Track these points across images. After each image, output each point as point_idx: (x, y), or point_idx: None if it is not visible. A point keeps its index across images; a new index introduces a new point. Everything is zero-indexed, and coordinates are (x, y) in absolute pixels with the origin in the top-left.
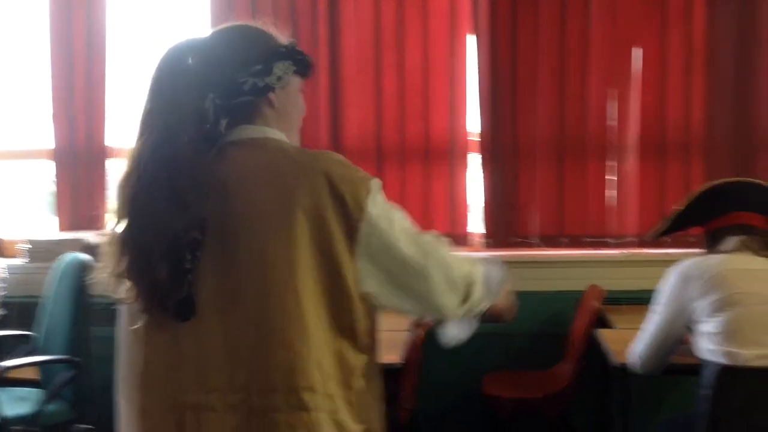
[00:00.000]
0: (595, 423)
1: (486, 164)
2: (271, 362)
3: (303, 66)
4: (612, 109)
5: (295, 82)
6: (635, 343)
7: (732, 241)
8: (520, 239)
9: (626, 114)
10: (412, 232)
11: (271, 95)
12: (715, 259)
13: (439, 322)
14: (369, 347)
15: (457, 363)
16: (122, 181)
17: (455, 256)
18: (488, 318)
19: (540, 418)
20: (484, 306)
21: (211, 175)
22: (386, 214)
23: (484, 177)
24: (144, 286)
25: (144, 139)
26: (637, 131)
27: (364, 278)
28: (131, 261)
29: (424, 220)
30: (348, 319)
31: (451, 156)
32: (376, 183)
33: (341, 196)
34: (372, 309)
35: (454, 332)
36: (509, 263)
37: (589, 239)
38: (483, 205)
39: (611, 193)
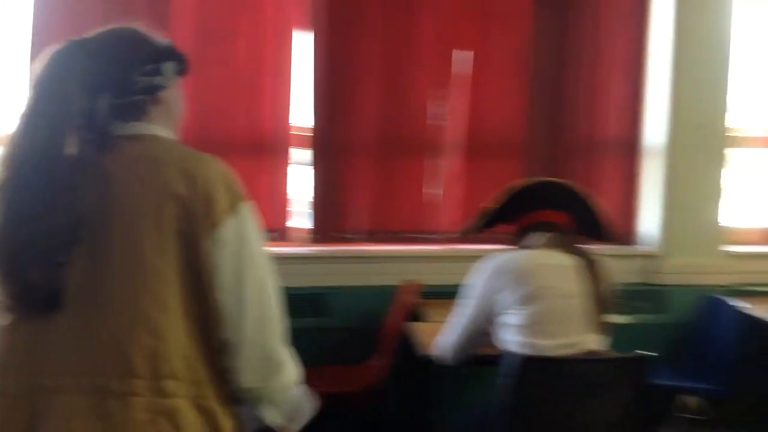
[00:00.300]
0: (409, 416)
1: (317, 160)
2: (135, 348)
3: (184, 65)
4: (437, 109)
5: (177, 80)
6: (443, 335)
7: (538, 238)
8: (343, 234)
9: (450, 114)
10: (263, 275)
11: (160, 94)
12: (522, 255)
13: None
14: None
15: None
16: None
17: (281, 331)
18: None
19: (355, 412)
20: (283, 400)
21: (94, 170)
22: (248, 237)
23: (315, 173)
24: (14, 286)
25: (26, 138)
26: (459, 131)
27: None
28: (2, 262)
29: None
30: (208, 310)
31: (274, 150)
32: (249, 205)
33: (212, 196)
34: None
35: (251, 415)
36: (332, 258)
37: (411, 235)
38: (312, 200)
39: (434, 191)
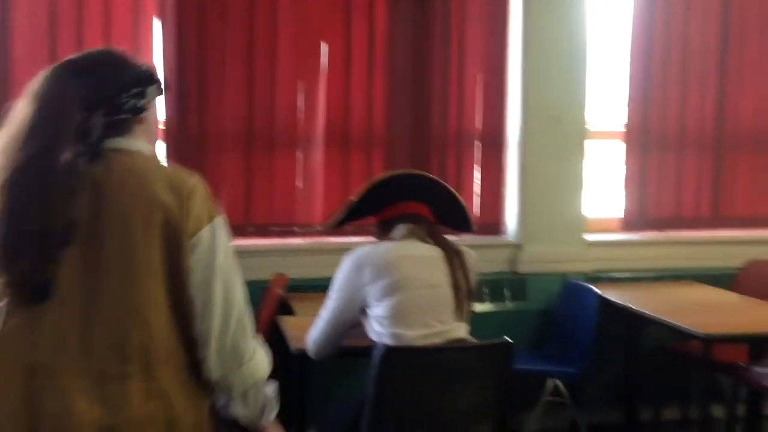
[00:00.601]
0: (283, 409)
1: (171, 153)
2: (129, 336)
3: (161, 89)
4: (300, 101)
5: (155, 103)
6: (312, 328)
7: (401, 230)
8: None
9: (313, 106)
10: (231, 279)
11: (143, 114)
12: (385, 247)
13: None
14: None
15: None
16: None
17: (248, 328)
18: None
19: None
20: (253, 390)
21: (87, 179)
22: (219, 246)
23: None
24: (9, 277)
25: (25, 147)
26: (323, 123)
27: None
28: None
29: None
30: (186, 307)
31: None
32: (221, 218)
33: (191, 206)
34: None
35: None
36: None
37: (276, 228)
38: None
39: (298, 183)
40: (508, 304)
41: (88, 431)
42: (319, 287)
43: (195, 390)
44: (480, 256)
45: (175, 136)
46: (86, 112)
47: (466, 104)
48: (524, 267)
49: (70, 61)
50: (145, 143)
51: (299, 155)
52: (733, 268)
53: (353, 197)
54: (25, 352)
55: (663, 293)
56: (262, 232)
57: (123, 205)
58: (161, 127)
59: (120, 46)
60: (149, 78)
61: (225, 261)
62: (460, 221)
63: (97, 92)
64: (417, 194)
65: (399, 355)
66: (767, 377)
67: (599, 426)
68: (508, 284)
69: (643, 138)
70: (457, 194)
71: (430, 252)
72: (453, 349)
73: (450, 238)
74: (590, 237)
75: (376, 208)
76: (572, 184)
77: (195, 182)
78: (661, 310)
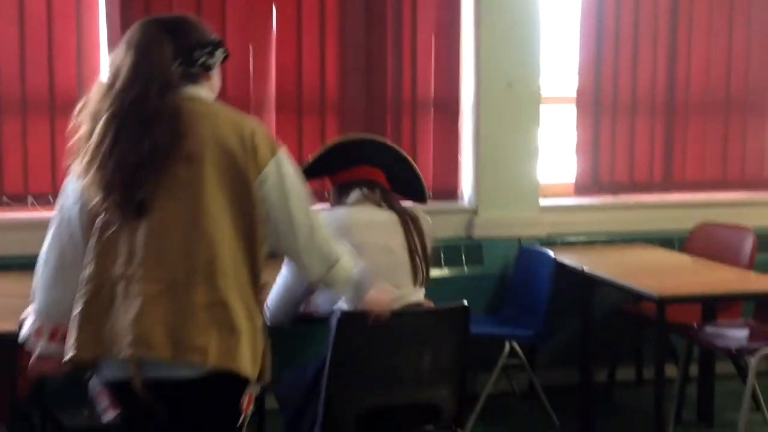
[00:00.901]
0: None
1: None
2: (197, 252)
3: (227, 56)
4: (251, 65)
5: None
6: (270, 296)
7: (356, 195)
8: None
9: (265, 70)
10: (303, 199)
11: (211, 72)
12: (341, 212)
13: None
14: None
15: None
16: (95, 115)
17: (329, 235)
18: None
19: None
20: (347, 283)
21: (169, 118)
22: (287, 174)
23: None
24: (109, 196)
25: (120, 84)
26: (274, 87)
27: (260, 211)
28: (100, 178)
29: (51, 179)
30: (252, 233)
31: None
32: (284, 149)
33: (256, 146)
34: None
35: (323, 300)
36: None
37: None
38: None
39: None
40: (465, 269)
41: (159, 331)
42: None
43: (252, 303)
44: (436, 221)
45: None
46: (171, 61)
47: (420, 70)
48: (480, 232)
49: (158, 19)
50: (211, 95)
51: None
52: (685, 231)
53: (309, 157)
54: (116, 267)
55: (616, 256)
56: None
57: (196, 144)
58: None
59: (63, 7)
60: (219, 43)
61: (294, 185)
62: (415, 191)
63: (179, 46)
64: (372, 159)
65: (356, 320)
66: (719, 337)
67: (556, 387)
68: (464, 249)
69: (595, 103)
70: (412, 162)
71: (386, 217)
72: (410, 313)
73: (405, 203)
74: (544, 202)
75: (332, 171)
76: (526, 149)
77: (255, 125)
78: (615, 272)
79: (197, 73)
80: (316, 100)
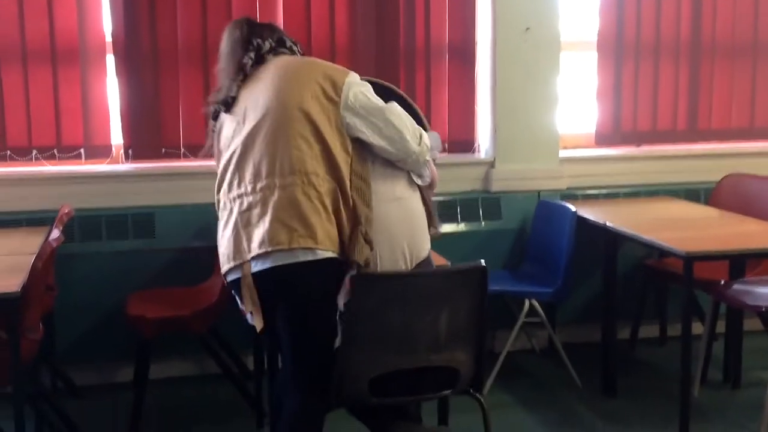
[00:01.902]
0: (243, 335)
1: (121, 70)
2: (291, 157)
3: (298, 48)
4: (257, 12)
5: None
6: None
7: None
8: (165, 150)
9: (272, 16)
10: (376, 99)
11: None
12: None
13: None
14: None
15: (97, 283)
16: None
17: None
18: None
19: (189, 334)
20: (430, 153)
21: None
22: (360, 88)
23: (120, 84)
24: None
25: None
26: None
27: (350, 125)
28: None
29: (54, 129)
30: (342, 143)
31: (83, 59)
32: (353, 74)
33: (333, 78)
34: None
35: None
36: (153, 176)
37: None
38: (120, 113)
39: None
40: (482, 224)
41: (274, 226)
42: None
43: (342, 201)
44: (452, 175)
45: (125, 52)
46: (256, 40)
47: (434, 14)
48: (497, 185)
49: (242, 19)
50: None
51: None
52: (711, 182)
53: None
54: (238, 186)
55: (640, 209)
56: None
57: (289, 84)
58: (109, 40)
59: None
60: (290, 39)
61: (373, 103)
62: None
63: (253, 38)
64: None
65: (371, 282)
66: (748, 295)
67: (576, 345)
68: (481, 203)
69: (616, 48)
70: (411, 101)
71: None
72: (426, 274)
73: None
74: (564, 153)
75: None
76: (545, 98)
77: (321, 61)
78: (639, 227)
79: (275, 49)
80: (326, 48)
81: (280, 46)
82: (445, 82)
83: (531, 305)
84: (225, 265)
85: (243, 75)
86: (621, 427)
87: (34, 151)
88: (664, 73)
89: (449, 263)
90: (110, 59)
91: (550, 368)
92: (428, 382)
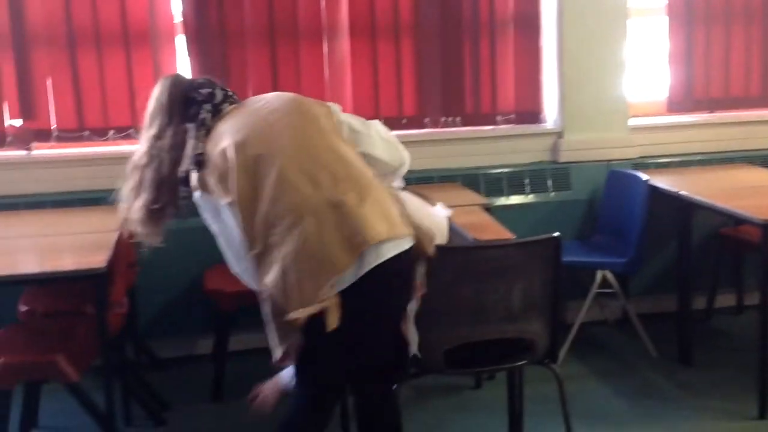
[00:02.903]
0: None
1: (191, 50)
2: (323, 173)
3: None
4: None
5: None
6: None
7: None
8: None
9: None
10: (360, 121)
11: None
12: None
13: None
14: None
15: (176, 259)
16: None
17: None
18: None
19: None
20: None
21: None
22: (347, 120)
23: (191, 63)
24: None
25: None
26: (347, 12)
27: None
28: None
29: (129, 109)
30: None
31: (154, 39)
32: (335, 105)
33: (322, 104)
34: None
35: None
36: None
37: None
38: None
39: (326, 75)
40: (551, 195)
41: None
42: None
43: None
44: (519, 146)
45: (195, 32)
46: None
47: None
48: (566, 156)
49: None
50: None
51: (325, 47)
52: None
53: None
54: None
55: (714, 177)
56: None
57: (294, 118)
58: (179, 21)
59: None
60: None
61: (357, 123)
62: None
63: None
64: None
65: (445, 255)
66: None
67: (651, 315)
68: (550, 174)
69: (687, 12)
70: None
71: None
72: (500, 246)
73: None
74: (634, 121)
75: None
76: (614, 65)
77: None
78: (714, 195)
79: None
80: (390, 23)
81: (227, 97)
82: (511, 53)
83: (604, 276)
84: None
85: (206, 130)
86: (698, 397)
87: (111, 132)
88: (735, 38)
89: (514, 236)
90: (180, 40)
91: (624, 339)
92: (503, 353)
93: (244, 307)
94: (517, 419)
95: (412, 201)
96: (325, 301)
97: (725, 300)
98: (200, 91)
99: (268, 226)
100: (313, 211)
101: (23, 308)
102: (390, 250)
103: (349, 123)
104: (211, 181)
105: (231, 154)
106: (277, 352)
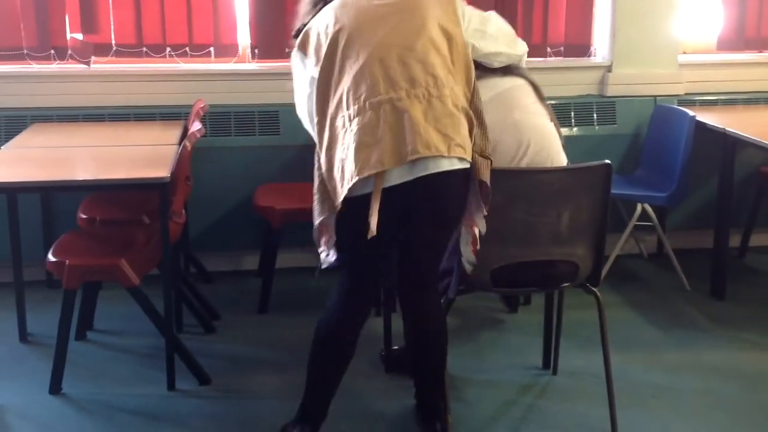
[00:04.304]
0: None
1: None
2: (434, 69)
3: None
4: None
5: None
6: None
7: None
8: (288, 50)
9: None
10: (480, 18)
11: None
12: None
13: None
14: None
15: (229, 176)
16: None
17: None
18: None
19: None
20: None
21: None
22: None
23: None
24: None
25: None
26: None
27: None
28: None
29: (186, 27)
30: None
31: None
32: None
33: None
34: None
35: None
36: (277, 75)
37: None
38: (248, 14)
39: None
40: (596, 128)
41: (420, 127)
42: None
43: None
44: (566, 78)
45: None
46: None
47: None
48: (613, 90)
49: None
50: None
51: None
52: None
53: None
54: (370, 94)
55: (759, 116)
56: None
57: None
58: None
59: None
60: None
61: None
62: None
63: None
64: None
65: (500, 177)
66: None
67: (686, 251)
68: (596, 107)
69: None
70: None
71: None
72: (551, 171)
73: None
74: (683, 58)
75: None
76: (666, 2)
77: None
78: (758, 132)
79: None
80: None
81: None
82: None
83: (643, 209)
84: (355, 176)
85: (323, 4)
86: (729, 329)
87: (168, 49)
88: None
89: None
90: None
91: (659, 272)
92: (548, 274)
93: (292, 224)
94: (554, 342)
95: (499, 112)
96: (368, 198)
97: (761, 239)
98: None
99: (338, 107)
100: (377, 107)
101: (83, 216)
102: (437, 167)
103: (470, 19)
104: (309, 48)
105: (329, 30)
106: (315, 224)
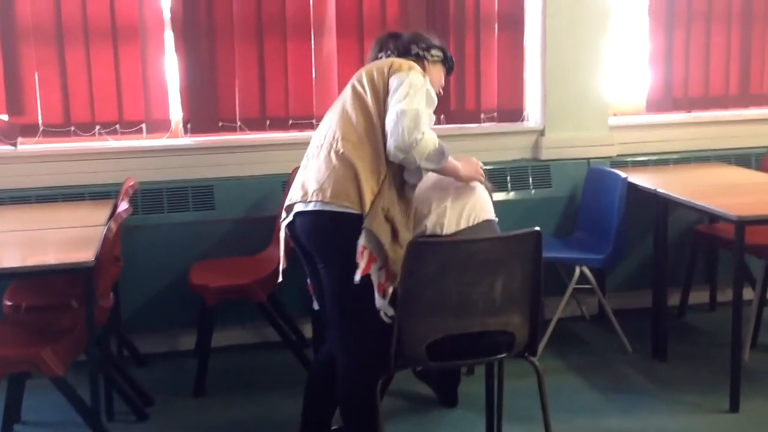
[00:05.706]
0: (301, 304)
1: (180, 46)
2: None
3: (449, 65)
4: None
5: (440, 68)
6: None
7: None
8: (222, 123)
9: None
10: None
11: (425, 61)
12: None
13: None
14: None
15: (162, 254)
16: None
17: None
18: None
19: (249, 303)
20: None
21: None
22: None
23: (179, 59)
24: None
25: None
26: (334, 9)
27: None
28: None
29: (116, 105)
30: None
31: (142, 35)
32: (411, 73)
33: (387, 74)
34: None
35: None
36: (210, 149)
37: (293, 121)
38: (179, 88)
39: (313, 74)
40: (532, 192)
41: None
42: None
43: (375, 168)
44: (501, 143)
45: (183, 27)
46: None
47: None
48: (547, 153)
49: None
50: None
51: (312, 44)
52: (762, 148)
53: None
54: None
55: (690, 175)
56: (279, 125)
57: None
58: (168, 17)
59: None
60: (438, 47)
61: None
62: None
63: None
64: None
65: (428, 248)
66: None
67: (626, 311)
68: (531, 171)
69: (668, 13)
70: None
71: None
72: (482, 240)
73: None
74: (614, 120)
75: None
76: (595, 66)
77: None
78: (689, 192)
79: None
80: (377, 18)
81: (403, 53)
82: (494, 50)
83: (581, 272)
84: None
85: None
86: (672, 391)
87: (97, 127)
88: (715, 38)
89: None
90: (168, 35)
91: (601, 334)
92: (484, 346)
93: (227, 302)
94: (495, 413)
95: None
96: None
97: (699, 297)
98: (386, 48)
99: None
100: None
101: (7, 303)
102: (294, 209)
103: (394, 88)
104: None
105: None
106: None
